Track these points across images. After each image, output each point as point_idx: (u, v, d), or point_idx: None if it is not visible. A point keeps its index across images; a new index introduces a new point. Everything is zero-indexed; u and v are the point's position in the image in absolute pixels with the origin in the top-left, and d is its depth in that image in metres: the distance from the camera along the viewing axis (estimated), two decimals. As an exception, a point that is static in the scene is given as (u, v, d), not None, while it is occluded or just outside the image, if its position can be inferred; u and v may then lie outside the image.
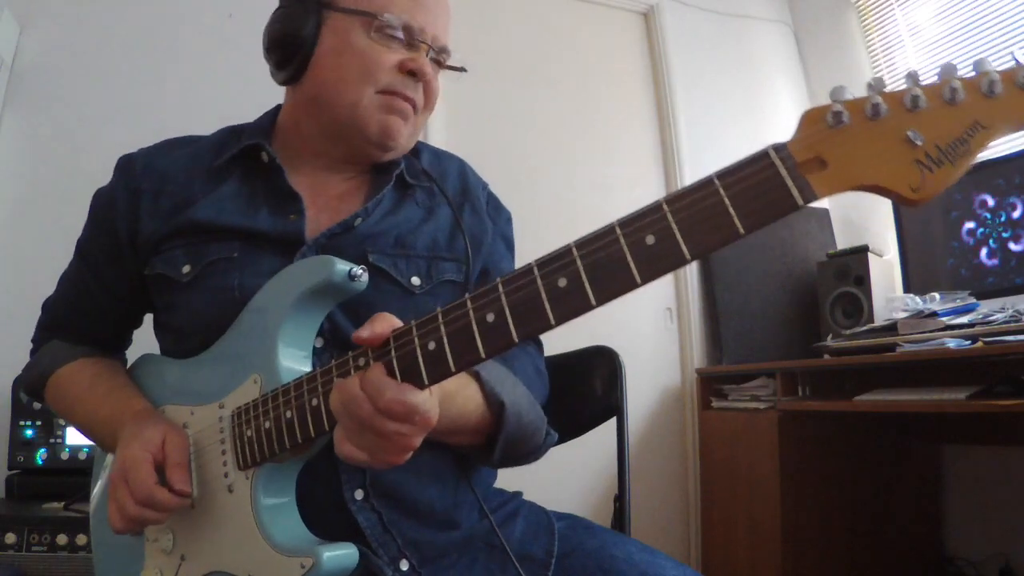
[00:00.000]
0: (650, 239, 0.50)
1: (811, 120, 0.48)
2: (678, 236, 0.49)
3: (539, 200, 2.41)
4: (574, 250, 0.52)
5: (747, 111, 2.92)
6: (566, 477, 2.19)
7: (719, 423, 2.38)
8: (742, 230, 0.48)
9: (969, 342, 1.70)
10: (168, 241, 0.82)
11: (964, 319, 1.83)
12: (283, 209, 0.82)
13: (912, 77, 0.46)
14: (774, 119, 2.97)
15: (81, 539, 1.34)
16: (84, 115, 1.96)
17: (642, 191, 2.71)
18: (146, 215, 0.84)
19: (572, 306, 0.52)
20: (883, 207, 2.50)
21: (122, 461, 0.72)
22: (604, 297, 0.51)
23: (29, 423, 1.60)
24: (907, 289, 2.30)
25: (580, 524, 0.85)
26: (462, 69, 0.88)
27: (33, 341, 0.96)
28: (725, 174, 0.48)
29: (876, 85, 0.47)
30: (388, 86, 0.81)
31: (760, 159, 0.48)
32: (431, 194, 0.90)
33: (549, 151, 2.55)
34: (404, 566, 0.74)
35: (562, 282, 0.52)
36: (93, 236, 0.90)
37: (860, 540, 2.14)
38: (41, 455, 1.59)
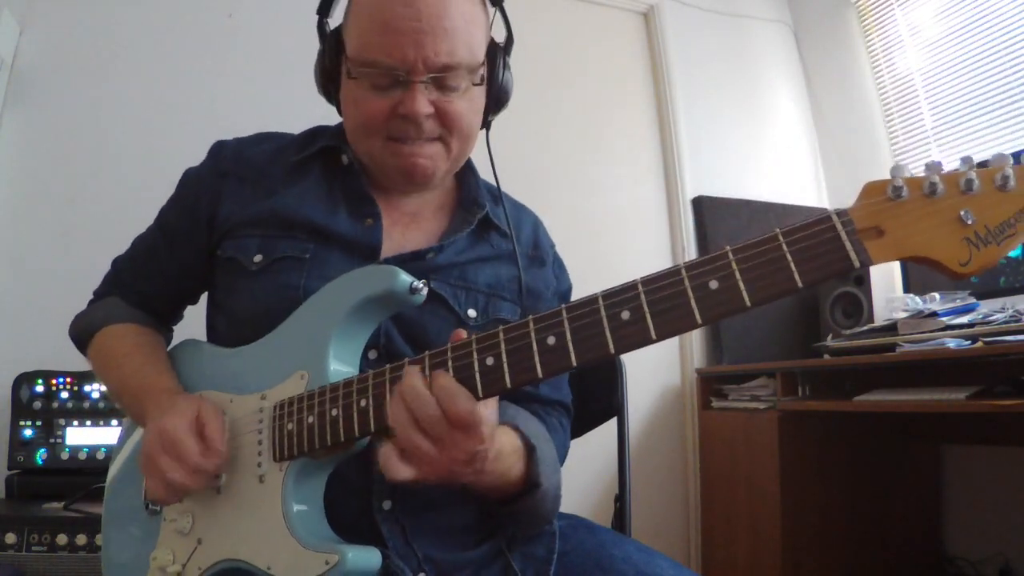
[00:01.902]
0: (713, 284, 0.53)
1: (872, 191, 0.52)
2: (741, 284, 0.52)
3: (538, 200, 2.38)
4: (639, 286, 0.55)
5: (747, 111, 2.92)
6: (566, 477, 2.18)
7: (719, 423, 2.37)
8: (800, 284, 0.51)
9: (969, 342, 1.70)
10: (245, 228, 0.84)
11: (964, 319, 1.83)
12: (359, 212, 0.84)
13: (967, 161, 0.51)
14: (774, 119, 2.98)
15: (81, 539, 1.34)
16: (84, 115, 1.96)
17: (642, 191, 2.71)
18: (228, 197, 0.86)
19: (633, 338, 0.55)
20: (883, 207, 2.50)
21: (159, 432, 0.72)
22: (664, 333, 0.54)
23: (29, 423, 1.60)
24: (907, 289, 2.30)
25: (581, 524, 0.86)
26: (480, 84, 0.81)
27: (95, 293, 0.98)
28: (789, 231, 0.52)
29: (934, 167, 0.51)
30: (392, 134, 0.80)
31: (823, 221, 0.52)
32: (506, 239, 0.90)
33: (548, 151, 2.55)
34: None
35: (625, 315, 0.55)
36: (174, 207, 0.93)
37: (860, 540, 2.14)
38: (41, 455, 1.59)
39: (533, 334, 0.58)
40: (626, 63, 2.80)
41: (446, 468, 0.61)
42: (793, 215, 2.84)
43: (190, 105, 2.02)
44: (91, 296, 0.98)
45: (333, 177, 0.87)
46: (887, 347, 1.91)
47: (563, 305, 0.58)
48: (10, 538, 1.34)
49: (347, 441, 0.66)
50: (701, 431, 2.47)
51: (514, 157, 2.48)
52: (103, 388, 1.65)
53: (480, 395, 0.59)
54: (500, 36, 0.85)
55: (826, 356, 2.12)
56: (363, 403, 0.65)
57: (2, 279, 1.83)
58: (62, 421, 1.62)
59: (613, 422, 1.16)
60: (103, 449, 1.61)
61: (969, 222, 0.49)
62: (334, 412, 0.66)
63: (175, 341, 0.96)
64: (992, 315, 1.77)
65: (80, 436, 1.62)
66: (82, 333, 0.94)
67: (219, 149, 0.91)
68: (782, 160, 2.95)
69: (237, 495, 0.73)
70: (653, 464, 2.49)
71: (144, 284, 0.94)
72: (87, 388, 1.65)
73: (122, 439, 0.94)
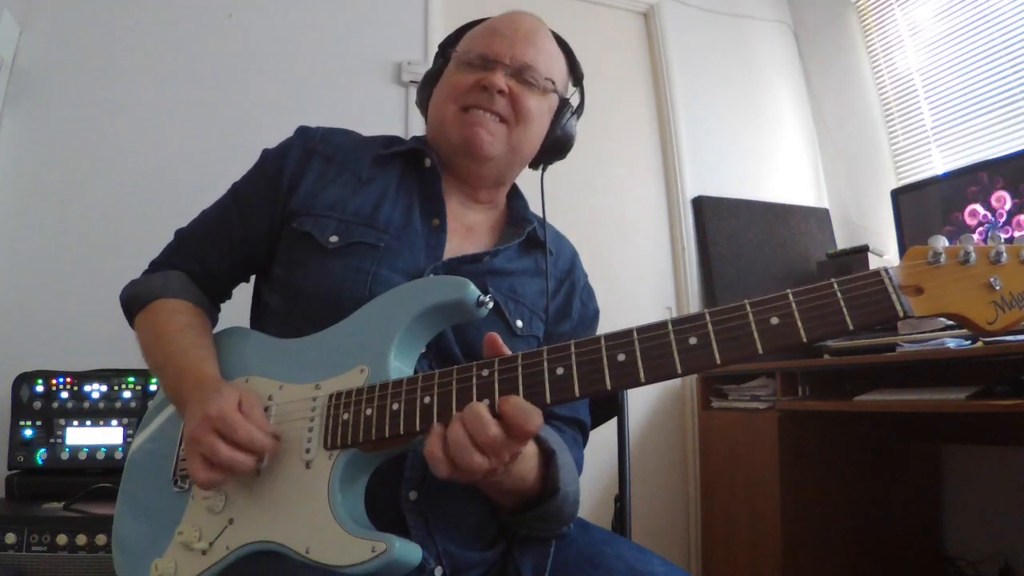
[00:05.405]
0: (774, 320, 0.59)
1: (914, 255, 0.60)
2: (799, 322, 0.59)
3: (538, 200, 2.40)
4: (707, 315, 0.61)
5: (747, 111, 2.92)
6: (566, 477, 2.18)
7: (719, 423, 2.37)
8: (851, 326, 0.58)
9: (969, 342, 1.70)
10: (326, 208, 0.88)
11: (964, 319, 1.83)
12: (429, 210, 0.92)
13: (996, 238, 0.59)
14: (774, 119, 2.97)
15: (81, 539, 1.34)
16: (84, 115, 1.96)
17: (642, 191, 2.71)
18: (312, 173, 0.92)
19: (698, 361, 0.60)
20: (883, 207, 2.50)
21: (204, 416, 0.72)
22: (728, 359, 0.59)
23: (29, 423, 1.60)
24: (907, 289, 2.30)
25: (576, 523, 0.88)
26: (552, 90, 0.97)
27: (152, 263, 0.99)
28: (843, 281, 0.59)
29: (966, 240, 0.59)
30: (467, 102, 0.92)
31: (874, 275, 0.59)
32: (548, 259, 0.99)
33: (549, 151, 2.55)
34: (439, 573, 0.77)
35: (693, 340, 0.61)
36: (253, 178, 0.97)
37: (860, 540, 2.14)
38: (41, 455, 1.59)
39: (604, 350, 0.63)
40: (626, 63, 2.80)
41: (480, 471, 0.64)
42: (793, 215, 2.84)
43: (190, 105, 2.02)
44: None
45: (412, 177, 0.96)
46: (887, 347, 1.91)
47: (634, 328, 0.63)
48: (10, 538, 1.34)
49: (404, 435, 0.68)
50: (701, 431, 2.47)
51: (514, 157, 2.48)
52: (103, 388, 1.65)
53: (548, 401, 0.63)
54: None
55: (826, 356, 2.12)
56: (427, 400, 0.68)
57: (2, 279, 1.83)
58: (62, 421, 1.62)
59: (613, 422, 1.16)
60: (103, 449, 1.61)
61: (997, 288, 0.57)
62: (395, 406, 0.69)
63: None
64: (992, 315, 1.77)
65: (80, 436, 1.62)
66: (134, 299, 0.94)
67: (305, 130, 0.98)
68: (782, 160, 2.95)
69: (279, 478, 0.74)
70: (653, 464, 2.49)
71: (208, 251, 0.96)
72: (87, 388, 1.65)
73: (151, 415, 0.93)
